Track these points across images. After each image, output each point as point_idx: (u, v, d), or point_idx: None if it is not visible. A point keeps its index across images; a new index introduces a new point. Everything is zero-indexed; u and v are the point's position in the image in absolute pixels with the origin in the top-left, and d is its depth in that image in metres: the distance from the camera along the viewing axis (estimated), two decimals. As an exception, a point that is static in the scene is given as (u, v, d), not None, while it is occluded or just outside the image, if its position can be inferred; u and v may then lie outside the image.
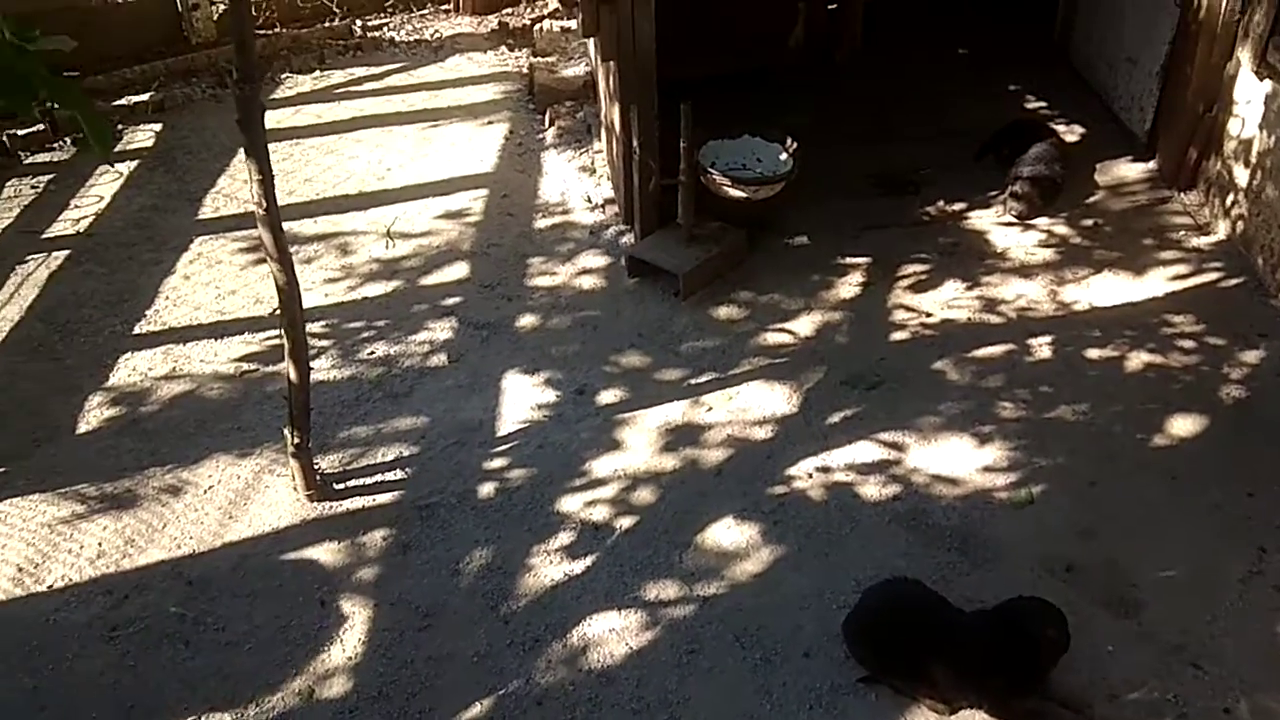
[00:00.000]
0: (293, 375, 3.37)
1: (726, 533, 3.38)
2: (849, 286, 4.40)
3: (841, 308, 4.29)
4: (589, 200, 5.01)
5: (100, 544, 3.39)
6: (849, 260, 4.54)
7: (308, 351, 3.41)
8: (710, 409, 3.86)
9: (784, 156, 4.48)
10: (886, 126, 5.34)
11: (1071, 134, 5.28)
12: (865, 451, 3.62)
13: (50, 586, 3.26)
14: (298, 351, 3.35)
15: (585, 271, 4.61)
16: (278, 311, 4.07)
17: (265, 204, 3.09)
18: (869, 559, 3.24)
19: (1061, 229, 4.71)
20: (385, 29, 6.54)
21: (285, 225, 4.77)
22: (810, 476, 3.54)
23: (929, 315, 4.23)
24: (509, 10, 6.84)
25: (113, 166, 2.72)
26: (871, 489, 3.49)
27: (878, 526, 3.36)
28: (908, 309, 4.26)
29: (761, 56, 5.50)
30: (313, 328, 4.22)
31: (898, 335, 4.14)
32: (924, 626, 2.85)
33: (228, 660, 3.05)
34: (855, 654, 2.91)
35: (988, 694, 2.75)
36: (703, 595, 3.19)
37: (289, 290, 3.26)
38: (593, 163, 5.26)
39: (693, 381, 3.99)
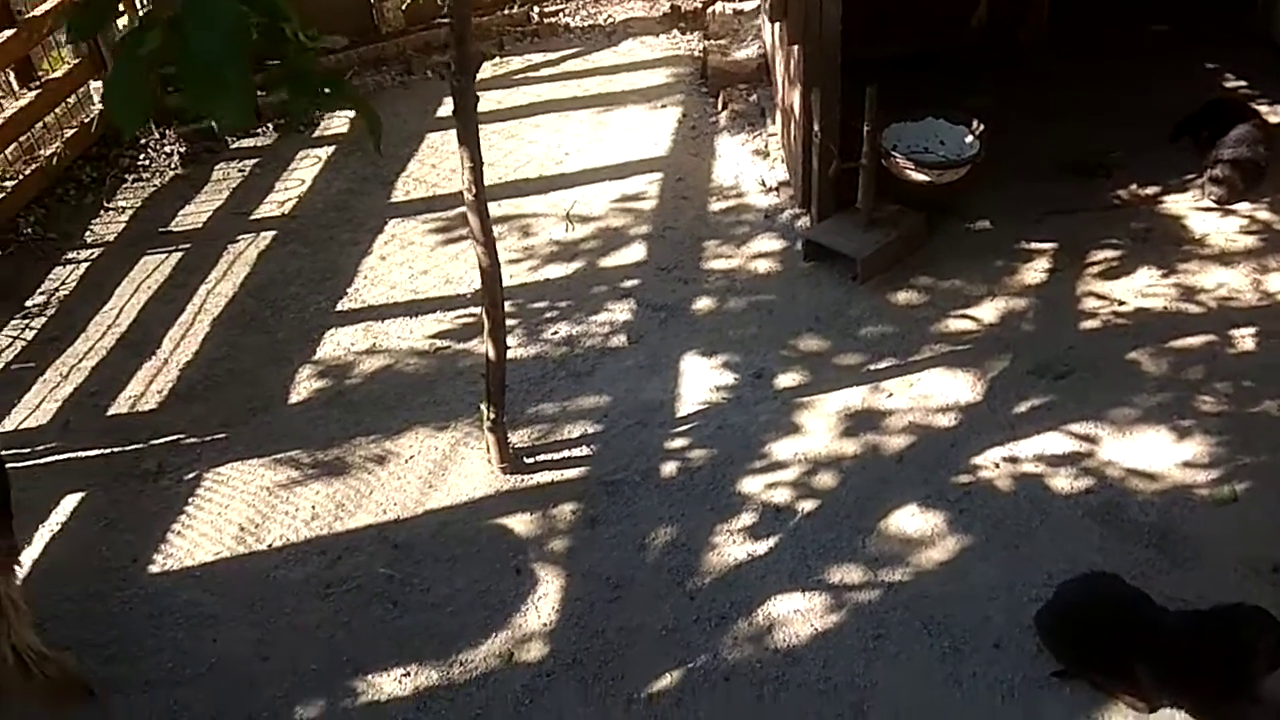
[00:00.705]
0: (491, 353, 3.54)
1: (910, 520, 3.38)
2: (1034, 272, 4.30)
3: (1027, 294, 4.20)
4: (763, 184, 5.04)
5: (314, 507, 3.64)
6: (1034, 245, 4.43)
7: (505, 331, 3.57)
8: (890, 395, 3.85)
9: (969, 139, 4.39)
10: (1073, 107, 5.15)
11: (1275, 115, 4.99)
12: (1055, 442, 3.55)
13: (269, 545, 3.53)
14: (497, 331, 3.51)
15: (760, 255, 4.64)
16: (472, 293, 4.31)
17: (475, 190, 3.24)
18: (1061, 553, 3.18)
19: (1265, 214, 4.47)
20: (561, 14, 6.68)
21: (470, 208, 5.05)
22: (997, 466, 3.50)
23: (1121, 303, 4.09)
24: (680, -7, 6.89)
25: (381, 155, 2.91)
26: (1062, 481, 3.42)
27: (1070, 520, 3.29)
28: (1098, 296, 4.14)
29: (943, 37, 5.38)
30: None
31: (1088, 324, 4.03)
32: (1126, 623, 2.79)
33: (432, 621, 3.25)
34: (1050, 648, 2.88)
35: (1192, 696, 2.68)
36: (887, 581, 3.21)
37: (491, 272, 3.42)
38: (766, 146, 5.27)
39: (872, 367, 3.98)
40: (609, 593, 3.29)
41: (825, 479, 3.56)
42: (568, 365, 4.18)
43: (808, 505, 3.48)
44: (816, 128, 4.31)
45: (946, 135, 4.48)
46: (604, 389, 4.05)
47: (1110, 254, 4.33)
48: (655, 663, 3.08)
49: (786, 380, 3.98)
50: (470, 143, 3.21)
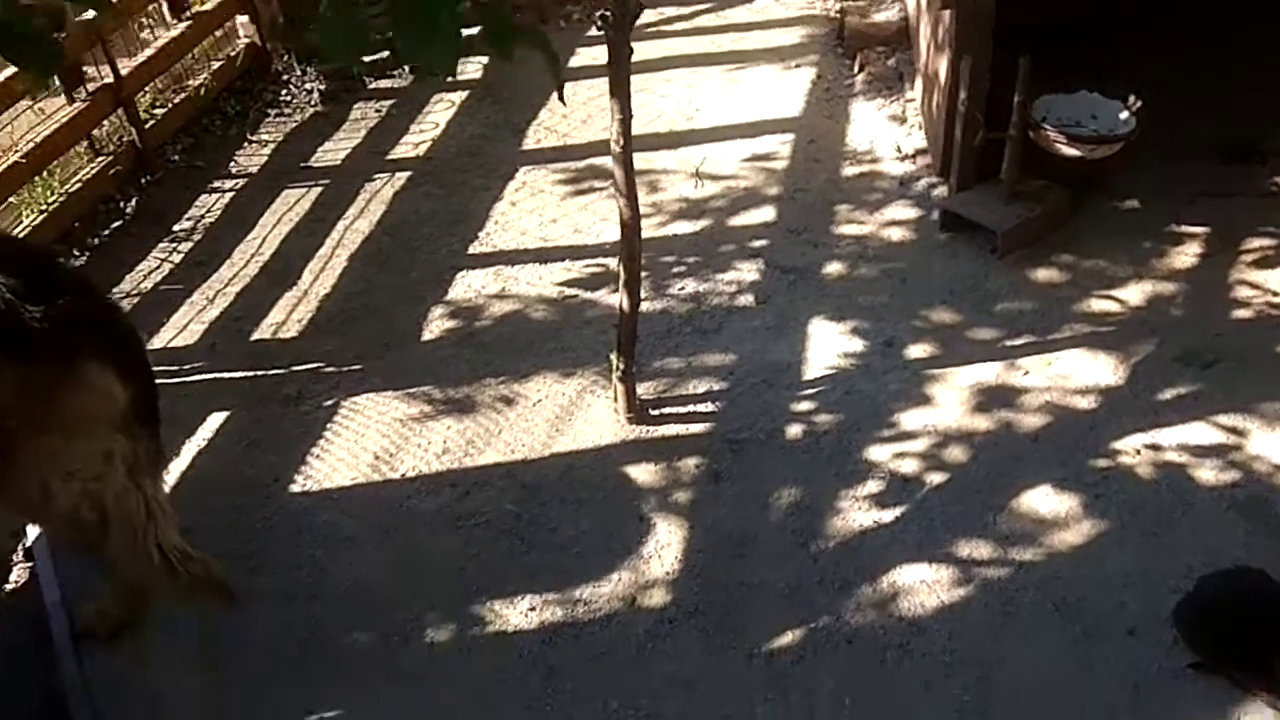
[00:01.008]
0: (625, 305, 3.57)
1: (1044, 500, 3.33)
2: (1184, 256, 4.15)
3: (1175, 278, 4.06)
4: (899, 150, 4.95)
5: (445, 442, 3.74)
6: (1184, 229, 4.28)
7: (640, 285, 3.59)
8: (1027, 373, 3.77)
9: (1125, 115, 4.24)
10: (1233, 87, 4.93)
11: None
12: (1200, 433, 3.45)
13: (403, 475, 3.63)
14: (632, 284, 3.54)
15: (894, 223, 4.58)
16: (609, 244, 4.32)
17: (622, 142, 3.25)
18: (1202, 545, 3.10)
19: None
20: (694, -31, 6.62)
21: (599, 161, 5.08)
22: (1138, 453, 3.41)
23: (1275, 294, 3.93)
24: (817, -48, 6.75)
25: (564, 104, 2.94)
26: (1207, 473, 3.32)
27: (1214, 512, 3.20)
28: (1252, 286, 3.98)
29: (1097, 5, 5.19)
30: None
31: (1239, 313, 3.88)
32: (1270, 621, 2.72)
33: (558, 560, 3.32)
34: (1189, 641, 2.82)
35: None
36: (1018, 560, 3.17)
37: (632, 225, 3.44)
38: (904, 111, 5.17)
39: (1008, 343, 3.91)
40: (732, 548, 3.32)
41: (955, 453, 3.52)
42: (694, 322, 4.19)
43: (936, 478, 3.45)
44: (963, 95, 4.20)
45: (1100, 110, 4.32)
46: (730, 347, 4.06)
47: (1267, 242, 4.15)
48: (777, 620, 3.10)
49: (917, 351, 3.93)
50: (621, 94, 3.22)
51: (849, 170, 4.92)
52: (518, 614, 3.17)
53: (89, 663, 3.06)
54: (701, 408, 3.81)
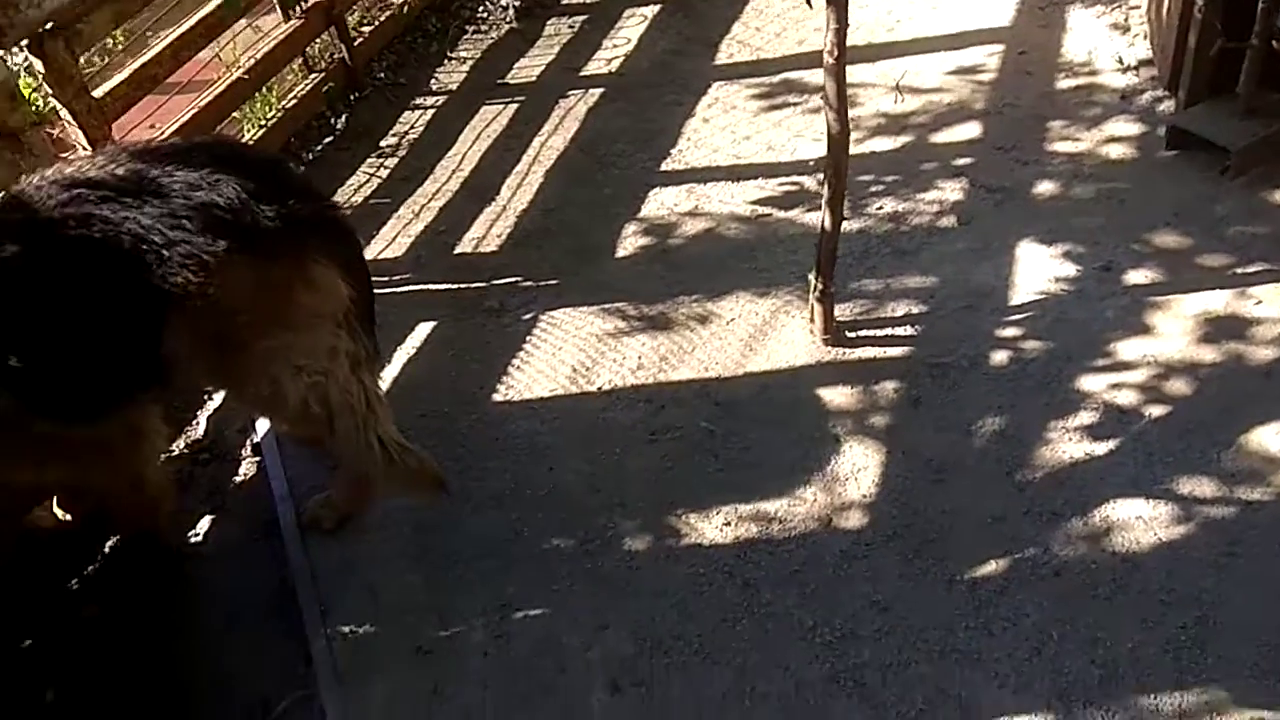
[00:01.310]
0: (827, 223, 3.49)
1: (1276, 438, 3.11)
2: None
3: None
4: (1120, 61, 4.61)
5: (640, 357, 3.78)
6: None
7: (844, 203, 3.50)
8: (1260, 302, 3.50)
9: (1391, 19, 3.80)
10: None
11: None
12: None
13: (599, 389, 3.70)
14: (836, 201, 3.45)
15: (1113, 139, 4.28)
16: (814, 160, 4.24)
17: (836, 53, 3.14)
18: None
19: None
20: None
21: (795, 74, 4.95)
22: (1387, 391, 3.14)
23: None
24: None
25: (811, 6, 2.87)
26: None
27: None
28: None
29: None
30: (822, 177, 4.34)
31: None
32: None
33: (752, 478, 3.33)
34: None
35: None
36: (1245, 499, 2.98)
37: (840, 139, 3.34)
38: (1126, 19, 4.80)
39: (1239, 270, 3.63)
40: (931, 474, 3.25)
41: (1178, 385, 3.32)
42: (892, 242, 4.07)
43: (1156, 410, 3.27)
44: (1200, 1, 3.86)
45: (1361, 14, 3.89)
46: (931, 269, 3.92)
47: None
48: (979, 549, 3.03)
49: (1137, 277, 3.70)
50: (840, 2, 3.09)
51: (1064, 83, 4.61)
52: (713, 528, 3.22)
53: (314, 554, 3.29)
54: (900, 331, 3.72)
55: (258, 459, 3.62)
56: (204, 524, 3.43)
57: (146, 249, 2.68)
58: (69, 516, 3.41)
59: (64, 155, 3.77)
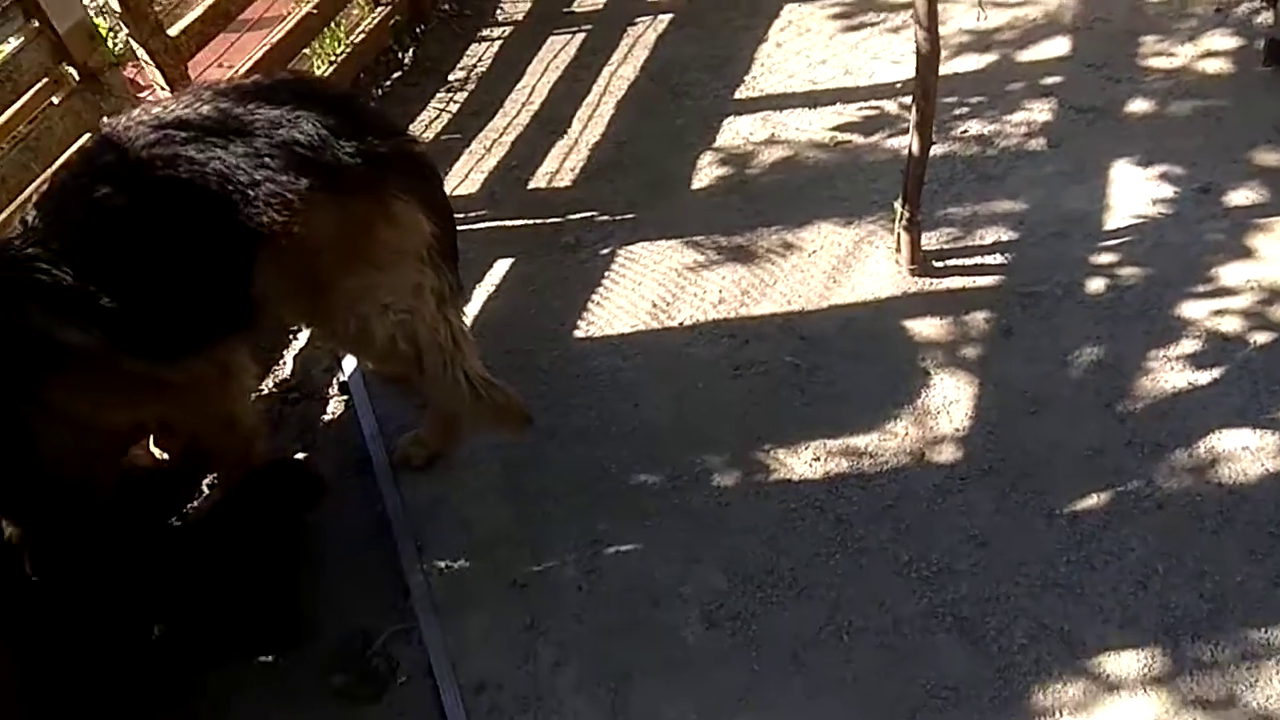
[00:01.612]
0: (915, 147, 3.39)
1: (1392, 365, 2.99)
2: None
3: None
4: (1218, -30, 4.38)
5: (720, 291, 3.73)
6: None
7: (932, 126, 3.39)
8: (1370, 222, 3.36)
9: None
10: None
11: None
12: None
13: (680, 323, 3.66)
14: (925, 125, 3.34)
15: (1210, 54, 4.09)
16: (900, 84, 4.10)
17: (927, -34, 3.01)
18: None
19: None
20: None
21: (873, -9, 4.77)
22: None
23: None
24: None
25: None
26: None
27: None
28: None
29: None
30: (905, 101, 4.21)
31: None
32: None
33: (840, 412, 3.29)
34: None
35: None
36: (1359, 428, 2.89)
37: (930, 59, 3.21)
38: (1224, -75, 4.55)
39: (1350, 190, 3.48)
40: (1026, 406, 3.19)
41: (1285, 311, 3.21)
42: (979, 167, 3.95)
43: (1262, 338, 3.16)
44: (1309, -99, 3.65)
45: None
46: (1019, 194, 3.81)
47: None
48: (1079, 482, 2.98)
49: (1238, 198, 3.56)
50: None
51: (1157, -5, 4.41)
52: (801, 463, 3.19)
53: (406, 490, 3.33)
54: (989, 259, 3.62)
55: (345, 398, 3.66)
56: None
57: (232, 188, 2.69)
58: (166, 455, 3.48)
59: (141, 95, 3.78)
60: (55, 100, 3.57)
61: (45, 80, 3.53)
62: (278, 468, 3.22)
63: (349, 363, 3.70)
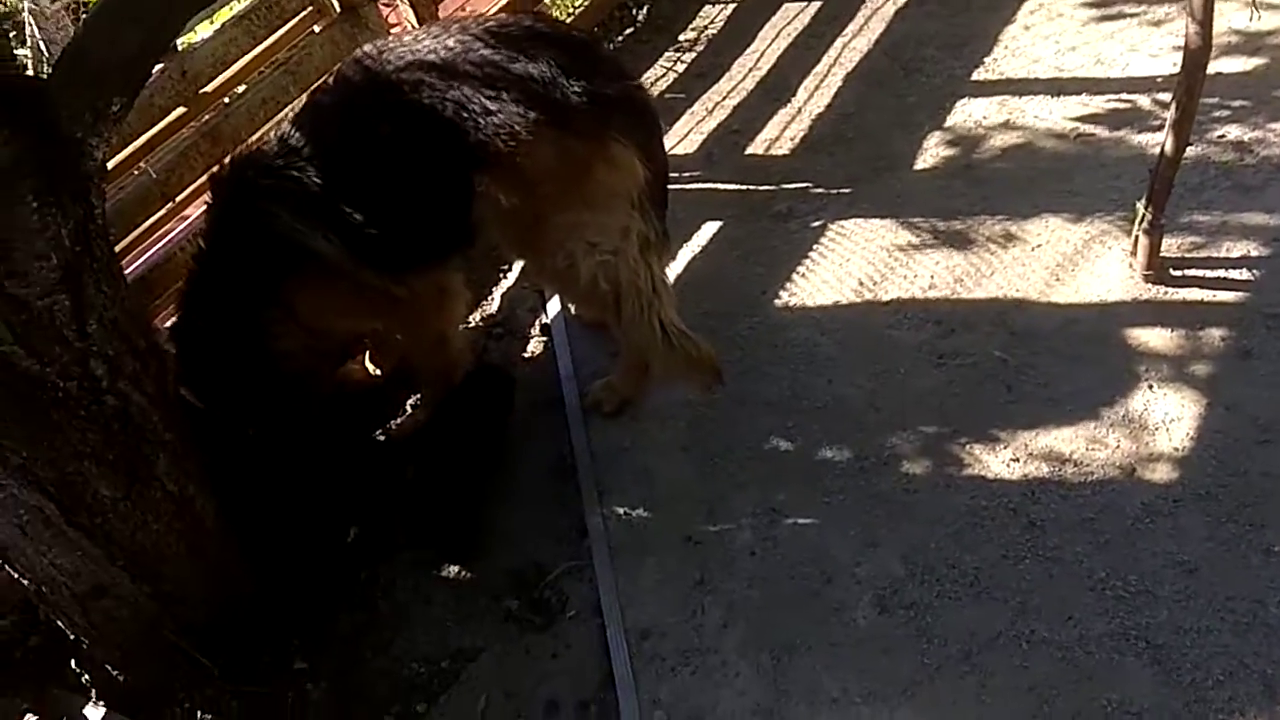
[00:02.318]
0: (1169, 147, 3.16)
1: None
2: None
3: None
4: None
5: (932, 276, 3.61)
6: None
7: (1191, 126, 3.15)
8: None
9: None
10: None
11: None
12: None
13: (886, 304, 3.57)
14: (1184, 123, 3.11)
15: None
16: (1162, 79, 3.85)
17: (1211, -47, 2.79)
18: None
19: None
20: None
21: (1131, -17, 4.47)
22: None
23: None
24: None
25: None
26: None
27: None
28: None
29: None
30: (1160, 97, 3.94)
31: None
32: None
33: (1048, 415, 3.13)
34: None
35: None
36: None
37: (1199, 55, 2.98)
38: None
39: None
40: (1257, 434, 2.94)
41: None
42: (1234, 175, 3.64)
43: None
44: None
45: None
46: (1277, 208, 3.50)
47: None
48: (1307, 521, 2.73)
49: None
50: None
51: None
52: (998, 462, 3.06)
53: (592, 434, 3.40)
54: (1235, 274, 3.35)
55: (545, 338, 3.77)
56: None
57: (466, 116, 2.80)
58: (378, 372, 3.68)
59: (393, 30, 3.98)
60: (316, 29, 3.81)
61: (308, 10, 3.77)
62: (478, 375, 3.36)
63: (553, 305, 3.81)
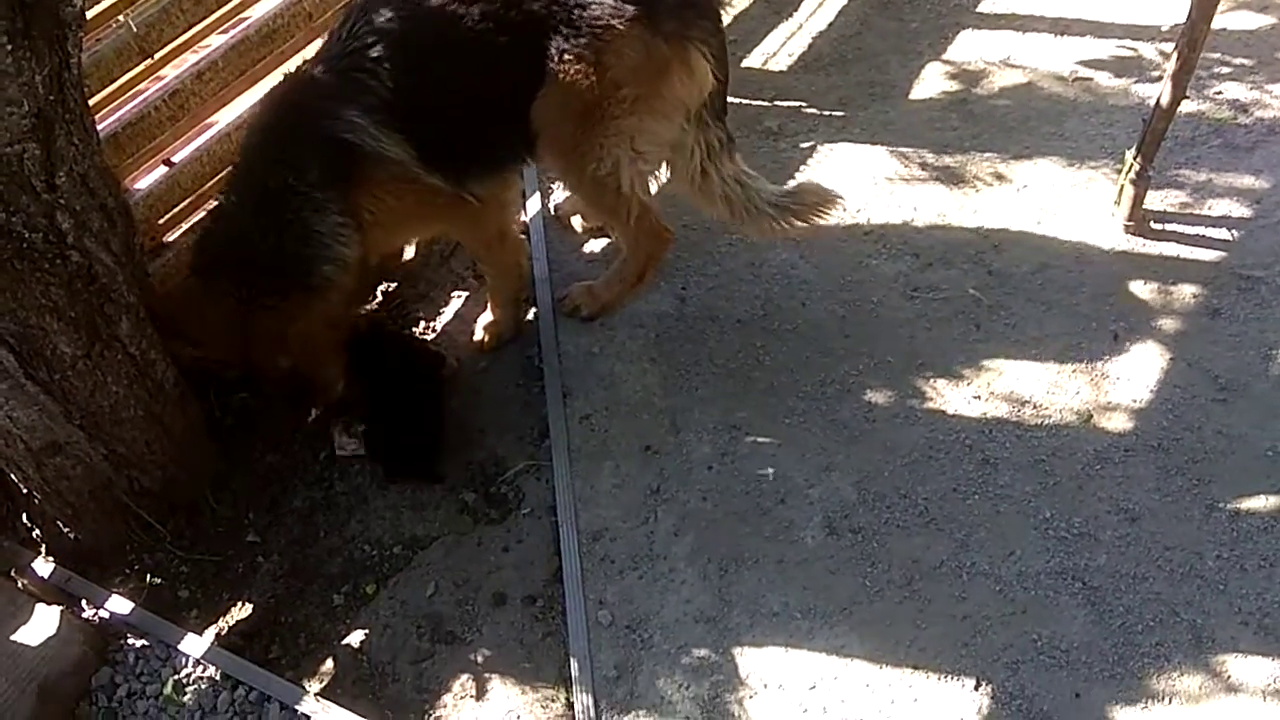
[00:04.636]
0: (1165, 98, 3.13)
1: None
2: None
3: None
4: None
5: (915, 208, 3.59)
6: None
7: (1190, 78, 3.11)
8: None
9: None
10: None
11: None
12: None
13: (867, 232, 3.56)
14: (1183, 74, 3.08)
15: None
16: (1169, 27, 3.80)
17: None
18: None
19: None
20: None
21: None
22: None
23: None
24: None
25: None
26: None
27: None
28: None
29: None
30: (1163, 47, 3.91)
31: None
32: None
33: (1013, 356, 3.16)
34: None
35: None
36: None
37: (1205, 7, 2.94)
38: None
39: None
40: (1215, 391, 2.99)
41: None
42: (1224, 133, 3.64)
43: None
44: None
45: None
46: (1264, 170, 3.50)
47: None
48: (1250, 480, 2.80)
49: None
50: None
51: None
52: (960, 398, 3.10)
53: (562, 338, 3.39)
54: (1214, 232, 3.37)
55: (522, 237, 3.72)
56: (459, 297, 3.57)
57: (558, 7, 2.73)
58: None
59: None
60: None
61: None
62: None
63: (532, 205, 3.75)
